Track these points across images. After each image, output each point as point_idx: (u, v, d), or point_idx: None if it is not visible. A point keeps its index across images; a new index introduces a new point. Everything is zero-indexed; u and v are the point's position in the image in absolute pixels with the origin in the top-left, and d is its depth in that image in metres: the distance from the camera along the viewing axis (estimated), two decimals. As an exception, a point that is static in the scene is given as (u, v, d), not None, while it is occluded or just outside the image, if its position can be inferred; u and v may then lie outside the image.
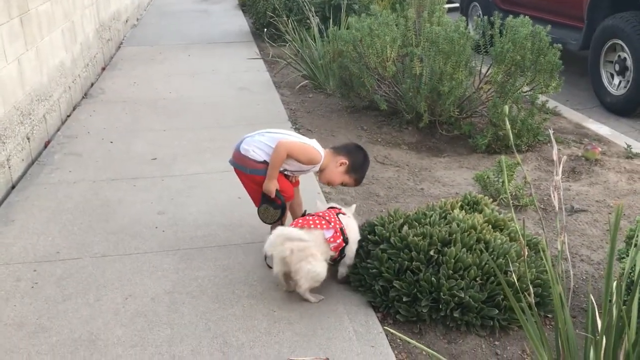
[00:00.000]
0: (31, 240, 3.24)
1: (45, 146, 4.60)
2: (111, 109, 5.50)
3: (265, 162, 2.94)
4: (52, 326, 2.56)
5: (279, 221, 3.04)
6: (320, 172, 3.07)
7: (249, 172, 2.99)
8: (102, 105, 5.63)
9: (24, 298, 2.75)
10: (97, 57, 6.77)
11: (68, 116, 5.30)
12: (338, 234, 2.70)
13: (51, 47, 5.02)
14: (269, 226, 3.14)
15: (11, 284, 2.85)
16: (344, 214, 2.86)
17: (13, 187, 3.90)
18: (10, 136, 3.95)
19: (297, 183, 3.21)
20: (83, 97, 5.86)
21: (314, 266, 2.60)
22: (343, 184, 3.12)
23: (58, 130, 4.95)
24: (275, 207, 2.97)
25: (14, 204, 3.66)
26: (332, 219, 2.75)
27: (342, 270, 2.82)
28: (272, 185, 2.92)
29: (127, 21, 9.19)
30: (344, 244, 2.73)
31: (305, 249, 2.60)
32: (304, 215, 2.91)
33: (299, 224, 2.72)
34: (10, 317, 2.62)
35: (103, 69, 6.96)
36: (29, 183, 3.95)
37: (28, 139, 4.27)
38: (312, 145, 3.00)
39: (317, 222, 2.71)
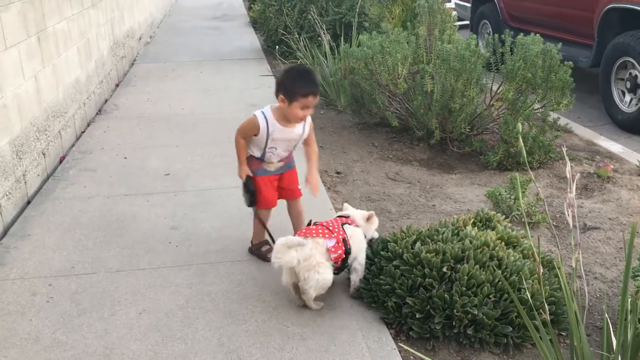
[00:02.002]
0: (46, 254, 3.28)
1: (61, 161, 4.65)
2: (125, 125, 5.56)
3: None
4: (68, 340, 2.58)
5: (254, 206, 3.16)
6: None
7: None
8: (116, 121, 5.70)
9: (40, 312, 2.77)
10: (111, 73, 6.86)
11: (83, 132, 5.36)
12: (340, 244, 2.73)
13: (67, 65, 5.10)
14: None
15: (27, 299, 2.88)
16: (350, 223, 2.88)
17: (29, 202, 3.95)
18: (27, 152, 4.00)
19: (297, 194, 3.23)
20: (97, 113, 5.94)
21: (322, 274, 2.64)
22: (306, 111, 2.90)
23: (73, 145, 5.02)
24: (245, 191, 3.14)
25: (29, 219, 3.70)
26: (336, 229, 2.78)
27: (355, 279, 2.83)
28: (240, 171, 3.11)
29: (140, 38, 9.32)
30: (345, 255, 2.76)
31: (311, 258, 2.62)
32: (309, 224, 2.93)
33: (303, 234, 2.75)
34: (26, 331, 2.64)
35: (117, 85, 7.05)
36: (44, 198, 4.00)
37: (44, 154, 4.32)
38: (253, 115, 3.01)
39: (320, 231, 2.74)
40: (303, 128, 3.05)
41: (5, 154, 3.66)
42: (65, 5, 5.18)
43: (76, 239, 3.45)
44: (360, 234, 2.90)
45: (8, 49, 3.82)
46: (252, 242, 3.29)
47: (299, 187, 3.24)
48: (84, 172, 4.46)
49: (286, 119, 2.96)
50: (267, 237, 3.22)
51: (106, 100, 6.39)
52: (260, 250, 3.23)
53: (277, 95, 2.92)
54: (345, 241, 2.77)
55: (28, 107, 4.09)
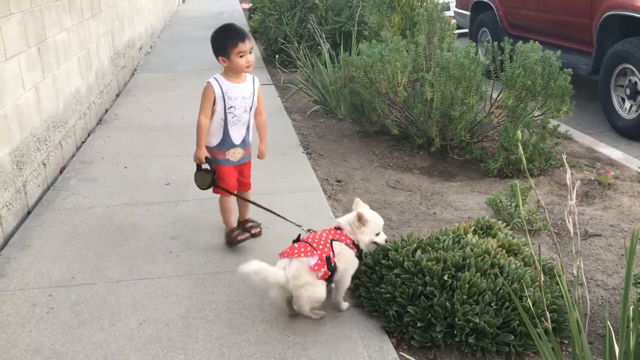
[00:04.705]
0: (47, 265, 3.27)
1: (61, 172, 4.65)
2: (125, 135, 5.57)
3: (210, 147, 3.32)
4: (67, 352, 2.57)
5: (213, 187, 3.33)
6: (238, 77, 3.26)
7: None
8: (117, 131, 5.70)
9: (40, 323, 2.76)
10: (112, 84, 6.87)
11: (83, 142, 5.37)
12: (322, 262, 2.63)
13: (67, 75, 5.12)
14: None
15: (27, 309, 2.87)
16: (341, 238, 2.76)
17: (29, 212, 3.95)
18: (27, 162, 4.00)
19: (249, 187, 3.49)
20: (98, 123, 5.95)
21: (312, 292, 2.62)
22: (247, 57, 3.17)
23: (73, 156, 5.02)
24: (206, 172, 3.31)
25: (30, 229, 3.70)
26: (320, 246, 2.68)
27: (339, 301, 2.78)
28: (199, 153, 3.28)
29: (141, 48, 9.35)
30: (330, 273, 2.67)
31: (300, 277, 2.58)
32: (298, 239, 2.80)
33: (287, 254, 2.68)
34: (25, 342, 2.63)
35: (117, 95, 7.06)
36: (44, 208, 3.99)
37: (44, 164, 4.33)
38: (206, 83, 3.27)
39: (302, 249, 2.66)
40: (253, 84, 3.32)
41: (6, 164, 3.67)
42: (65, 16, 5.20)
43: (76, 249, 3.44)
44: (349, 252, 2.75)
45: (8, 60, 3.83)
46: (225, 231, 3.48)
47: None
48: (85, 182, 4.46)
49: (234, 75, 3.24)
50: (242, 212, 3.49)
51: (107, 110, 6.41)
52: (230, 236, 3.42)
53: (218, 60, 3.25)
54: (329, 259, 2.66)
55: (28, 117, 4.10)
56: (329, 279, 2.70)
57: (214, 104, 3.23)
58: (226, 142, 3.30)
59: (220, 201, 3.44)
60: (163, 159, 4.91)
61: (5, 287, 3.06)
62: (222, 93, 3.21)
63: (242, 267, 2.59)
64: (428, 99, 4.68)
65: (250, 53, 3.20)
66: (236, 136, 3.31)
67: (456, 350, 2.55)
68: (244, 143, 3.36)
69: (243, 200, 3.49)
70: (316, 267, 2.62)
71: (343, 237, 2.78)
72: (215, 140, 3.30)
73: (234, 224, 3.49)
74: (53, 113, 4.64)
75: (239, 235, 3.40)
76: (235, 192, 3.41)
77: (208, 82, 3.24)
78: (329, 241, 2.72)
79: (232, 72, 3.23)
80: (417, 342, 2.56)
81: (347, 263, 2.74)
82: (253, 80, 3.34)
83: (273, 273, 2.58)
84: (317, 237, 2.75)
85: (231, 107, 3.24)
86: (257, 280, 2.59)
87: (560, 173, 4.52)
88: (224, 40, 3.19)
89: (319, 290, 2.64)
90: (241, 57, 3.16)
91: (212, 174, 3.31)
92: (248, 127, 3.36)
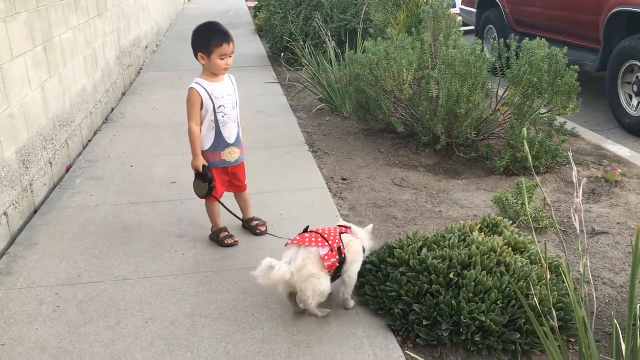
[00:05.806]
0: (53, 263, 3.28)
1: (67, 170, 4.67)
2: (131, 134, 5.58)
3: (203, 150, 3.31)
4: (74, 350, 2.58)
5: (211, 196, 3.34)
6: (217, 76, 3.27)
7: None
8: (123, 130, 5.72)
9: (46, 321, 2.77)
10: (118, 82, 6.89)
11: (89, 141, 5.39)
12: (334, 252, 2.65)
13: (73, 74, 5.13)
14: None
15: (33, 308, 2.88)
16: (348, 232, 2.81)
17: (36, 211, 3.96)
18: (34, 161, 4.02)
19: (245, 188, 3.52)
20: (104, 122, 5.97)
21: (316, 285, 2.60)
22: (226, 60, 3.19)
23: (80, 154, 5.04)
24: (203, 181, 3.29)
25: (36, 228, 3.71)
26: (331, 237, 2.70)
27: (344, 291, 2.77)
28: (196, 162, 3.26)
29: (146, 47, 9.37)
30: (340, 264, 2.68)
31: (304, 269, 2.58)
32: (306, 230, 2.83)
33: (297, 242, 2.69)
34: (32, 340, 2.64)
35: (123, 94, 7.08)
36: (51, 207, 4.01)
37: (50, 163, 4.34)
38: (189, 89, 3.26)
39: (313, 239, 2.68)
40: (232, 81, 3.35)
41: (12, 163, 3.68)
42: (71, 15, 5.22)
43: (83, 247, 3.45)
44: (358, 245, 2.79)
45: (15, 59, 3.84)
46: (212, 230, 3.50)
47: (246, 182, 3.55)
48: (91, 180, 4.47)
49: (213, 75, 3.25)
50: (228, 216, 3.46)
51: (113, 109, 6.42)
52: (218, 237, 3.44)
53: (196, 56, 3.23)
54: (340, 250, 2.68)
55: (35, 116, 4.11)
56: (336, 271, 2.70)
57: (202, 108, 3.23)
58: (220, 143, 3.29)
59: (207, 204, 3.46)
60: (169, 157, 4.92)
61: (12, 285, 3.08)
62: (209, 95, 3.21)
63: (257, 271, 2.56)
64: (434, 96, 4.67)
65: (230, 57, 3.20)
66: (229, 135, 3.31)
67: (462, 348, 2.54)
68: (238, 142, 3.37)
69: (241, 201, 3.59)
70: (327, 257, 2.63)
71: (350, 232, 2.83)
72: (208, 143, 3.29)
73: (222, 224, 3.49)
74: (59, 112, 4.66)
75: (227, 239, 3.41)
76: (221, 201, 3.43)
77: (191, 88, 3.23)
78: (338, 234, 2.76)
79: (209, 72, 3.24)
80: (423, 341, 2.55)
81: (355, 254, 2.75)
82: (230, 77, 3.36)
83: (278, 270, 2.54)
84: (327, 230, 2.77)
85: (221, 106, 3.24)
86: (263, 282, 2.57)
87: (567, 171, 4.50)
88: (210, 38, 3.17)
89: (323, 282, 2.63)
90: (222, 59, 3.18)
91: (209, 182, 3.29)
92: (238, 125, 3.38)
